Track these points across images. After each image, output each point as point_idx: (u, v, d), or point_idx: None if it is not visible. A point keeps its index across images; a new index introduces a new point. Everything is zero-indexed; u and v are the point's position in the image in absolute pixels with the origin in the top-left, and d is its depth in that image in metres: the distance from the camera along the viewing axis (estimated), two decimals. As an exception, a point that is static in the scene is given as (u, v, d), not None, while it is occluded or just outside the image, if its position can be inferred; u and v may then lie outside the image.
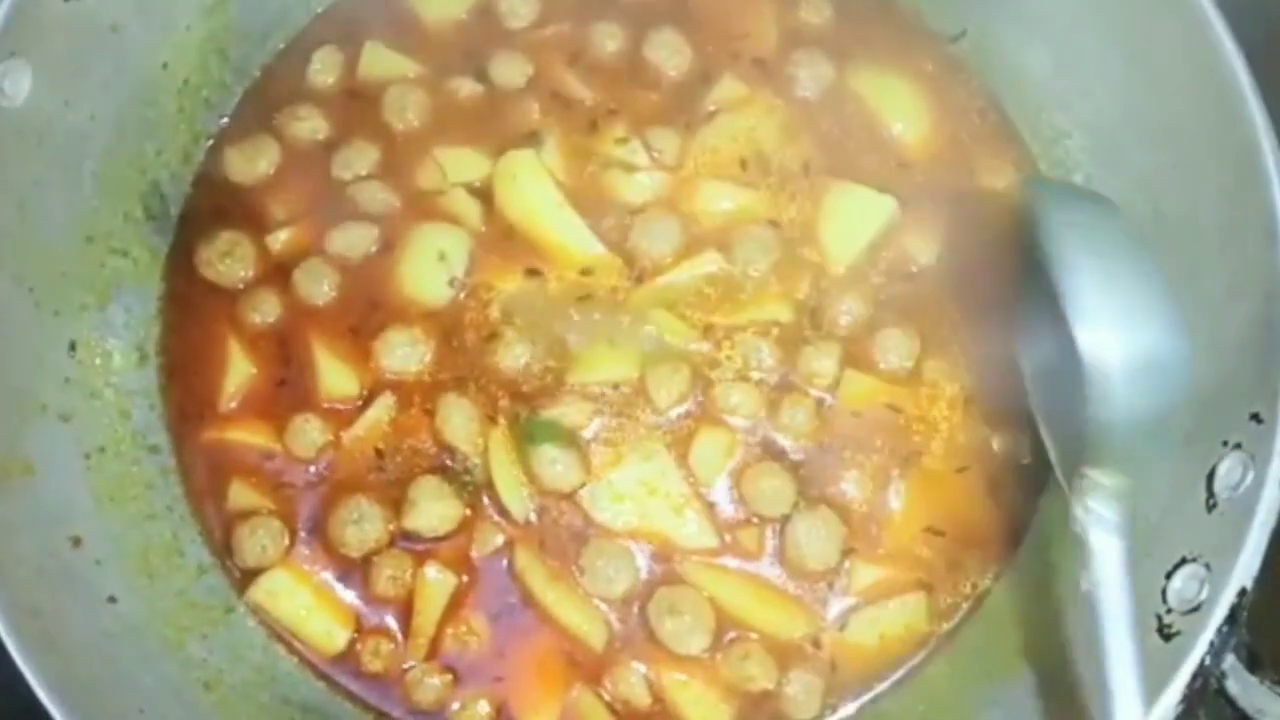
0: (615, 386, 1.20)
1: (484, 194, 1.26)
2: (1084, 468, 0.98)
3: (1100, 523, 0.98)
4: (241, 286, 1.24)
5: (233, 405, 1.22)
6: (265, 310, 1.23)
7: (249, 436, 1.20)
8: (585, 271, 1.23)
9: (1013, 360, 1.13)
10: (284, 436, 1.19)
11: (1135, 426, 0.94)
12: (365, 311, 1.23)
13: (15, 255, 1.12)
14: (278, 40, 1.35)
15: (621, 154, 1.28)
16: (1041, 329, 1.05)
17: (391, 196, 1.26)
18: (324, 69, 1.32)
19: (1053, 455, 1.08)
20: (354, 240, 1.24)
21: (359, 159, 1.28)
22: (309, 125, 1.29)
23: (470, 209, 1.25)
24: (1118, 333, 0.92)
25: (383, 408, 1.20)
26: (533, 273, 1.23)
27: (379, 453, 1.19)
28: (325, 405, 1.20)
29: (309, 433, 1.19)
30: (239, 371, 1.22)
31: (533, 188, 1.25)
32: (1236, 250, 1.08)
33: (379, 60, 1.32)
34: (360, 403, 1.20)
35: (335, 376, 1.21)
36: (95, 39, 1.17)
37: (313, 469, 1.19)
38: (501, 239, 1.24)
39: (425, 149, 1.28)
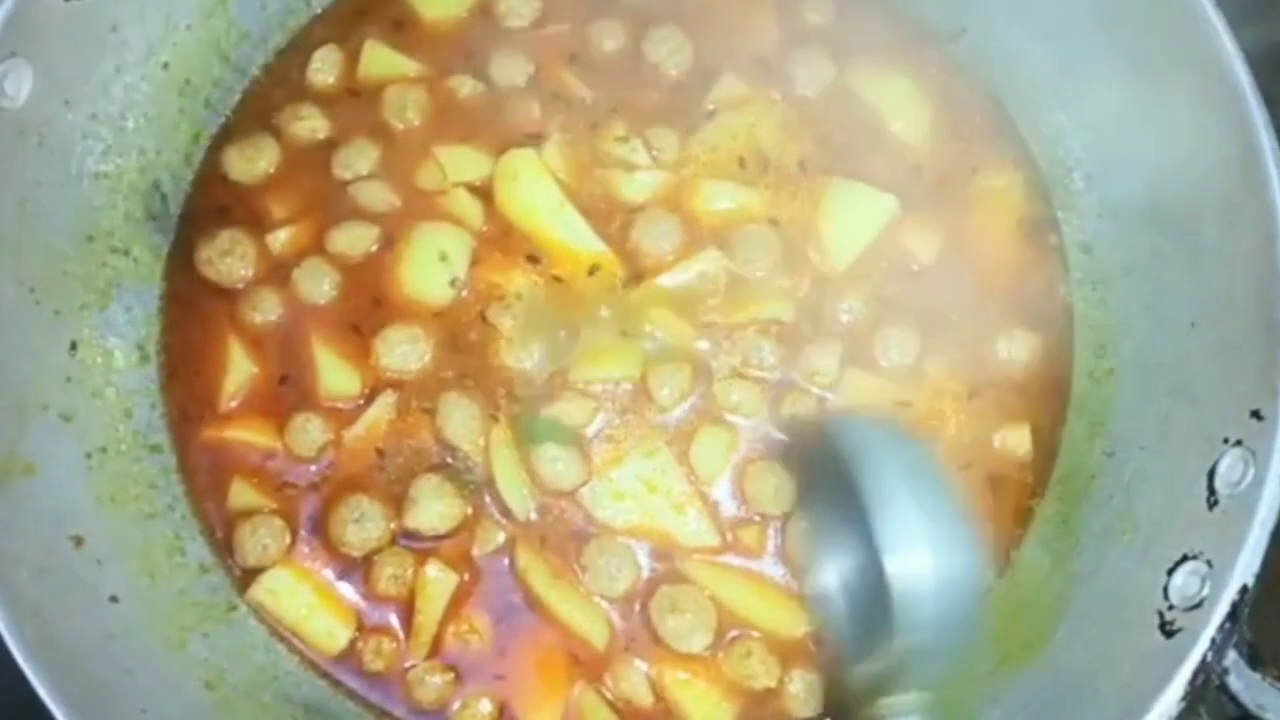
0: (617, 384, 1.20)
1: (484, 193, 1.25)
2: (894, 691, 0.97)
3: None
4: (242, 286, 1.24)
5: (234, 404, 1.22)
6: (266, 309, 1.23)
7: (250, 435, 1.20)
8: (586, 270, 1.23)
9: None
10: (285, 435, 1.19)
11: (939, 648, 0.94)
12: (366, 310, 1.23)
13: (15, 255, 1.11)
14: (278, 40, 1.35)
15: (622, 153, 1.27)
16: (834, 551, 1.06)
17: (392, 196, 1.26)
18: (324, 68, 1.32)
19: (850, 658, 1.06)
20: (354, 239, 1.24)
21: (359, 158, 1.27)
22: (309, 125, 1.29)
23: (471, 208, 1.25)
24: (929, 563, 0.92)
25: (384, 406, 1.20)
26: (533, 259, 1.23)
27: (380, 451, 1.19)
28: (326, 404, 1.20)
29: (310, 432, 1.19)
30: (240, 370, 1.22)
31: (533, 187, 1.24)
32: (1236, 249, 1.08)
33: (379, 60, 1.31)
34: (361, 401, 1.20)
35: (336, 375, 1.21)
36: (95, 39, 1.17)
37: (314, 468, 1.19)
38: (502, 238, 1.24)
39: (425, 148, 1.28)
